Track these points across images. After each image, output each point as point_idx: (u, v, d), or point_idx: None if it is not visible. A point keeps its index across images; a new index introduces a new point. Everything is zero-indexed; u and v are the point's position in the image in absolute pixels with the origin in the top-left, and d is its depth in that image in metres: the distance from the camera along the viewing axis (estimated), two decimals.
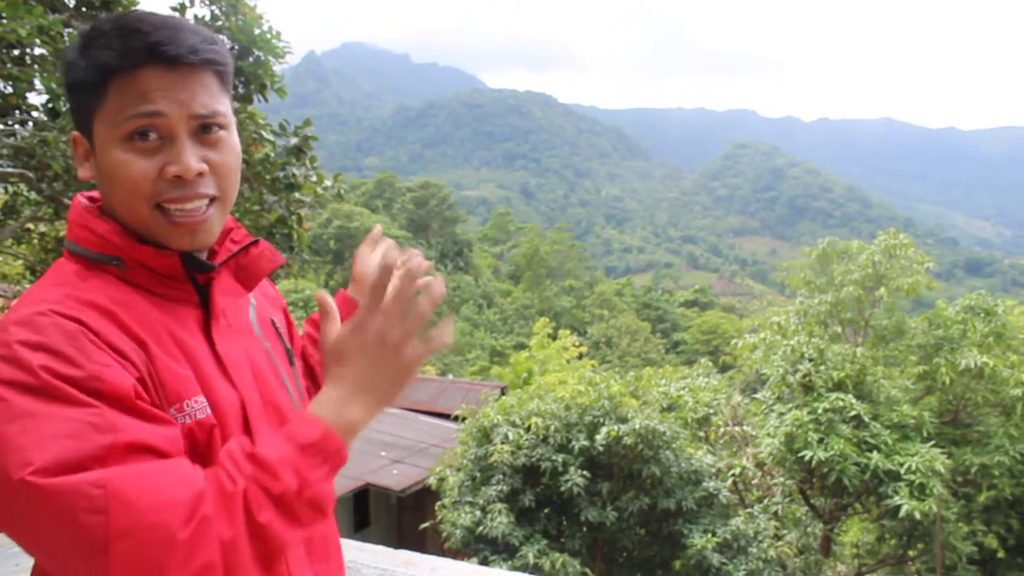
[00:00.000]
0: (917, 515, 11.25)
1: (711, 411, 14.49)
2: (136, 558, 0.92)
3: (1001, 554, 14.80)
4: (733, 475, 12.51)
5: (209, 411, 1.16)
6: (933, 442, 12.72)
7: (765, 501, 12.97)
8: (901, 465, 11.72)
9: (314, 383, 1.52)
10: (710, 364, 17.28)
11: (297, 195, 4.96)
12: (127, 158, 1.13)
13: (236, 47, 4.96)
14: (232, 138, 1.24)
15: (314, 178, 4.95)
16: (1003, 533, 15.14)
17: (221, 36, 4.99)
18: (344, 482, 13.08)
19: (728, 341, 18.53)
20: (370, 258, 1.41)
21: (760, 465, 13.58)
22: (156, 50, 1.11)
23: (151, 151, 1.14)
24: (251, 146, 4.86)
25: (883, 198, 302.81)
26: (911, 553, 14.73)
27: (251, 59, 4.98)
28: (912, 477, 11.57)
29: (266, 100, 5.10)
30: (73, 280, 1.15)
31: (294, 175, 4.91)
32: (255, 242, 1.32)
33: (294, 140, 4.94)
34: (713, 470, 11.17)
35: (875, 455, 11.81)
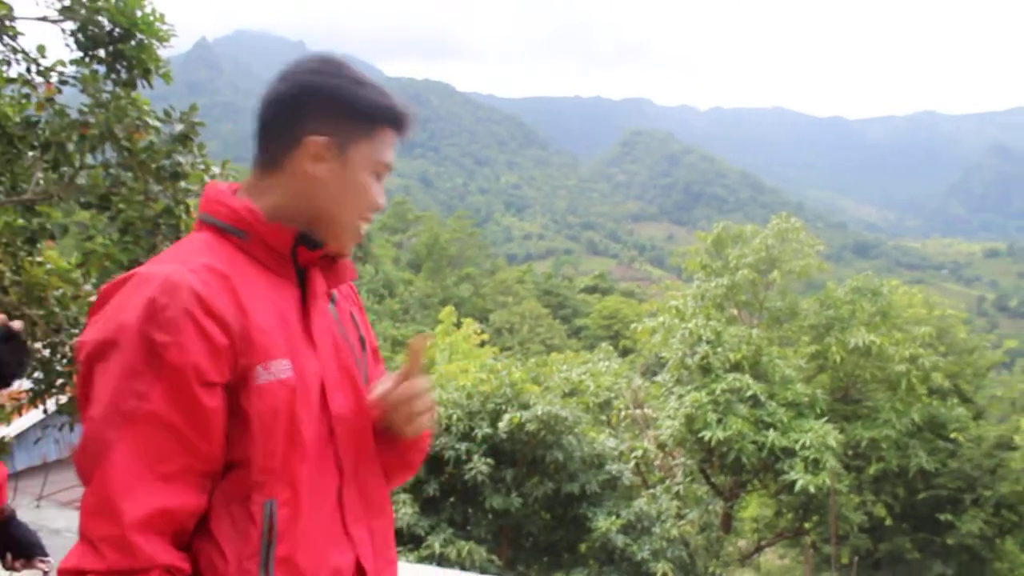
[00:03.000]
0: (812, 489, 11.63)
1: (612, 395, 14.65)
2: None
3: (889, 522, 15.43)
4: (635, 457, 12.69)
5: (292, 373, 1.34)
6: (826, 418, 13.16)
7: (667, 482, 13.21)
8: (796, 442, 12.08)
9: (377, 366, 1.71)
10: (611, 349, 17.44)
11: (183, 184, 4.77)
12: (370, 183, 1.49)
13: (116, 29, 4.74)
14: None
15: (202, 166, 4.77)
16: (890, 502, 15.81)
17: (100, 17, 4.78)
18: None
19: (628, 326, 18.78)
20: (407, 387, 1.51)
21: (661, 447, 13.82)
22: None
23: (376, 183, 1.52)
24: (134, 133, 4.66)
25: (776, 184, 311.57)
26: (807, 525, 15.22)
27: (133, 43, 4.76)
28: (806, 453, 11.94)
29: (150, 85, 4.89)
30: (202, 247, 1.38)
31: (180, 163, 4.72)
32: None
33: (180, 127, 4.74)
34: (616, 453, 11.30)
35: (771, 433, 12.14)
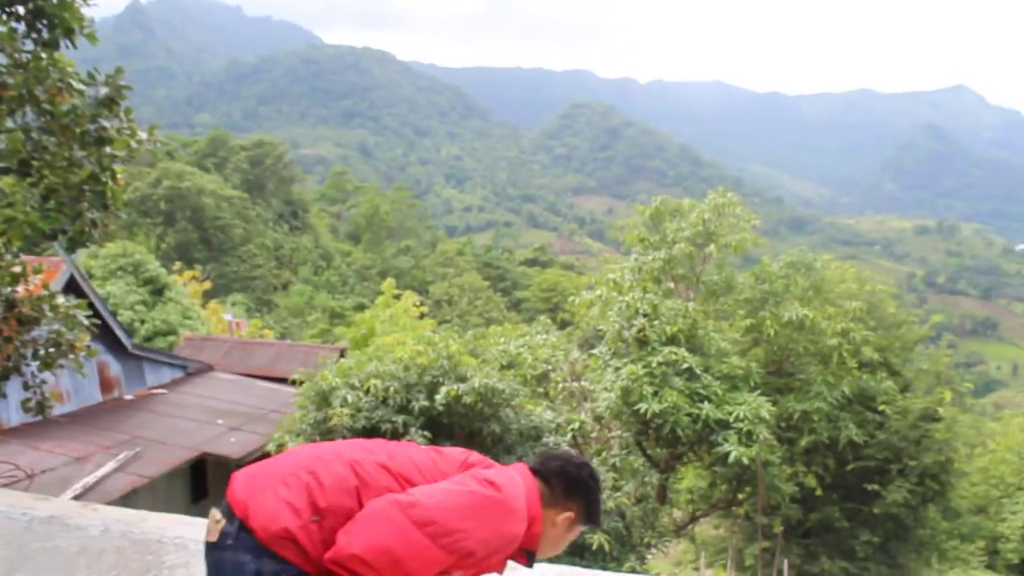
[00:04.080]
0: (745, 460, 11.80)
1: (550, 367, 14.69)
2: None
3: (819, 492, 15.75)
4: (572, 430, 12.74)
5: None
6: (759, 391, 13.35)
7: (604, 454, 13.30)
8: (730, 414, 12.23)
9: None
10: (549, 322, 17.47)
11: (109, 150, 4.61)
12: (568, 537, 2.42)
13: None
14: None
15: (128, 132, 4.60)
16: (821, 472, 16.14)
17: None
18: (178, 452, 12.62)
19: (567, 298, 18.81)
20: None
21: (598, 419, 13.91)
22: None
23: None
24: (56, 96, 4.48)
25: (714, 158, 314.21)
26: (740, 496, 15.48)
27: (55, 0, 4.56)
28: (740, 425, 12.11)
29: (74, 46, 4.70)
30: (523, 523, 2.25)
31: (105, 128, 4.54)
32: None
33: (105, 90, 4.57)
34: (553, 425, 11.34)
35: (706, 405, 12.28)
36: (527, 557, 2.33)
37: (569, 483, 2.33)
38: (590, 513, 2.39)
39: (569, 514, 2.34)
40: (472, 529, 2.05)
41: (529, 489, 2.28)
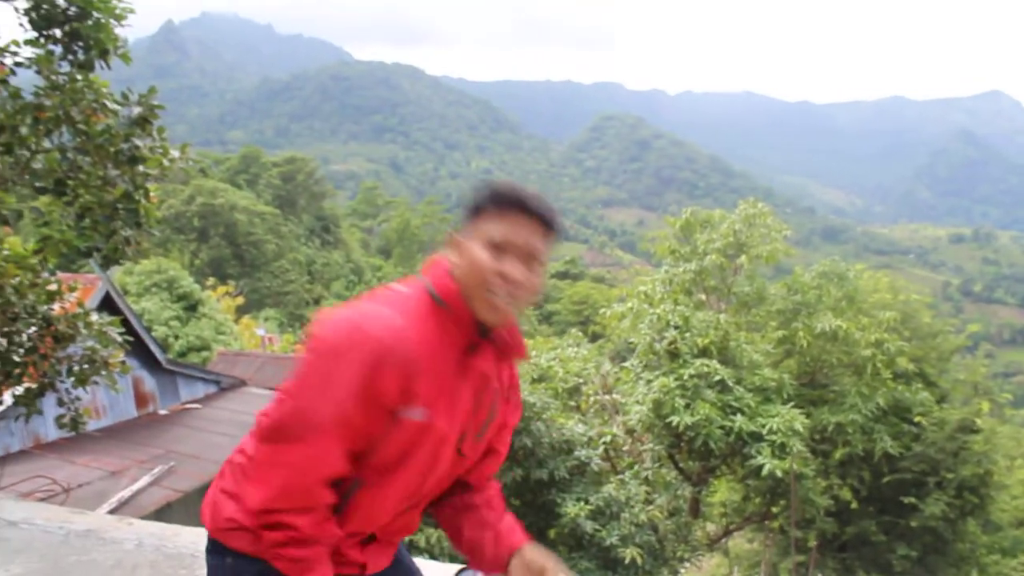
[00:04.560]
0: (779, 473, 11.69)
1: (581, 380, 14.66)
2: None
3: (855, 505, 15.57)
4: (604, 443, 12.69)
5: (424, 419, 1.76)
6: (793, 403, 13.22)
7: (636, 467, 13.24)
8: (763, 426, 12.13)
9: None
10: (580, 334, 17.44)
11: (142, 168, 4.68)
12: (484, 254, 1.77)
13: (71, 8, 4.62)
14: (544, 271, 1.86)
15: (160, 150, 4.67)
16: (856, 486, 15.95)
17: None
18: (212, 467, 12.70)
19: (598, 311, 18.78)
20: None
21: (630, 432, 13.85)
22: (520, 204, 1.80)
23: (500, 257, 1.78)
24: (91, 116, 4.55)
25: (745, 168, 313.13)
26: (775, 509, 15.34)
27: (89, 22, 4.64)
28: (774, 437, 12.00)
29: (108, 66, 4.78)
30: (421, 311, 1.80)
31: (138, 147, 4.62)
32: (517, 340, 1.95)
33: (138, 109, 4.64)
34: (584, 439, 11.30)
35: (739, 418, 12.19)
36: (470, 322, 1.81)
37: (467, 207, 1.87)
38: (475, 206, 1.84)
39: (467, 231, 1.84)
40: (301, 393, 1.72)
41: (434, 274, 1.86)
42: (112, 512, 9.38)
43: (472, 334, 1.84)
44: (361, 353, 1.68)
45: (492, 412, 1.95)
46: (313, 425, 1.69)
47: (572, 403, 14.43)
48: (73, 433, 5.80)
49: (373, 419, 1.72)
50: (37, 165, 4.71)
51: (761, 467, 11.78)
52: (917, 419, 15.31)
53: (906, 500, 15.43)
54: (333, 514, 1.82)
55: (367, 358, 1.68)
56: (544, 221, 1.81)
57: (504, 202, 1.80)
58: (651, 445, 13.41)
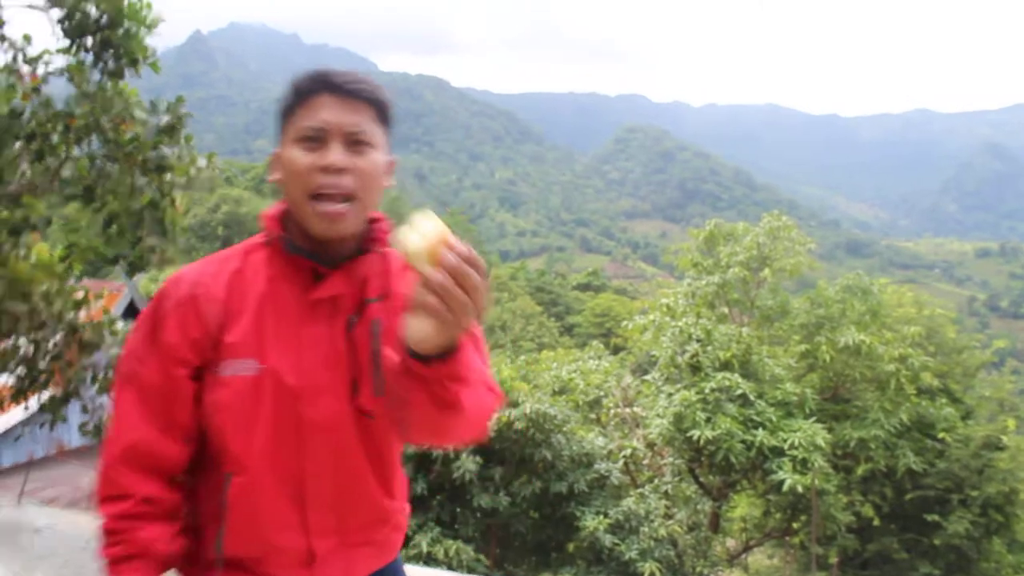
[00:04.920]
0: (800, 488, 11.62)
1: (602, 393, 14.64)
2: None
3: (877, 522, 15.41)
4: (624, 456, 12.67)
5: (255, 373, 1.48)
6: (815, 418, 13.14)
7: (656, 481, 13.18)
8: (785, 441, 12.06)
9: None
10: (602, 346, 17.41)
11: (169, 177, 4.73)
12: (298, 155, 1.49)
13: (103, 16, 4.68)
14: (376, 155, 1.54)
15: (187, 159, 4.73)
16: (878, 502, 15.78)
17: (86, 4, 4.73)
18: None
19: (620, 323, 18.76)
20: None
21: (650, 445, 13.80)
22: (316, 80, 1.51)
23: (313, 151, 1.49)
24: (120, 125, 4.61)
25: (769, 181, 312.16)
26: (795, 525, 15.22)
27: (120, 31, 4.70)
28: (795, 452, 11.92)
29: (138, 74, 4.83)
30: (238, 250, 1.59)
31: (165, 156, 4.68)
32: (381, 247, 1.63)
33: (166, 118, 4.70)
34: (604, 452, 11.28)
35: (760, 432, 12.12)
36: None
37: None
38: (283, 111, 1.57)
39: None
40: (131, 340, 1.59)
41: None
42: None
43: (310, 261, 1.54)
44: (152, 304, 1.56)
45: (376, 354, 1.53)
46: (131, 370, 1.53)
47: (592, 416, 14.41)
48: (97, 440, 5.85)
49: (170, 377, 1.50)
50: (67, 172, 4.77)
51: (782, 482, 11.71)
52: (941, 435, 15.16)
53: (929, 517, 15.25)
54: (215, 525, 1.53)
55: (151, 307, 1.55)
56: (357, 96, 1.50)
57: (307, 89, 1.51)
58: (671, 459, 13.36)
